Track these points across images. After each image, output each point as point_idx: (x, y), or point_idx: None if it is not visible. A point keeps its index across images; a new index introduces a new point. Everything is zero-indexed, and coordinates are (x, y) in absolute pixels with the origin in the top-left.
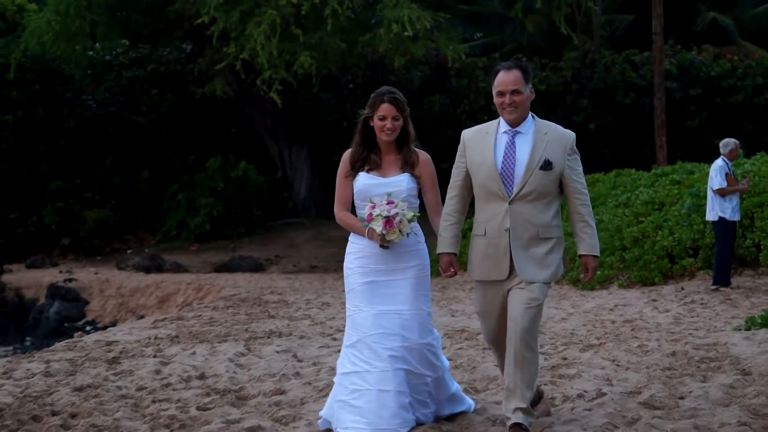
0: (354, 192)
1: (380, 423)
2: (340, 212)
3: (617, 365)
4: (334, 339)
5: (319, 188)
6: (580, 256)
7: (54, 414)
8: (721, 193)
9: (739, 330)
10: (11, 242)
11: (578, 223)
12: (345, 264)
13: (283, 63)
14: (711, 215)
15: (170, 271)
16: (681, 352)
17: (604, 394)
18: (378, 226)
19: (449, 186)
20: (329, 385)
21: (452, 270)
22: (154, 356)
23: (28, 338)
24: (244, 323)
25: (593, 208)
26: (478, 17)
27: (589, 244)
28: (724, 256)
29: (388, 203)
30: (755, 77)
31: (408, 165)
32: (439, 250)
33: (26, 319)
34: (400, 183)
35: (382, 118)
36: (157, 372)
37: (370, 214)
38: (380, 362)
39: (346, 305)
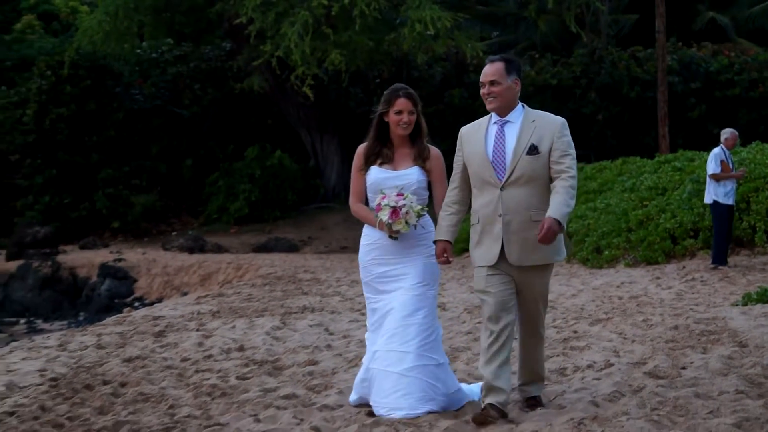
0: (367, 185)
1: (382, 398)
2: (354, 204)
3: (624, 338)
4: (363, 314)
5: (348, 175)
6: (544, 218)
7: (105, 383)
8: (715, 178)
9: (737, 305)
10: (66, 225)
11: (553, 195)
12: (359, 256)
13: (315, 60)
14: (707, 198)
15: (212, 251)
16: (683, 325)
17: (612, 364)
18: (385, 216)
19: (450, 179)
20: (358, 356)
21: (446, 256)
22: (197, 330)
23: (81, 313)
24: (280, 299)
25: (601, 193)
26: (494, 17)
27: (553, 208)
28: (720, 236)
29: (397, 195)
30: (750, 72)
31: (420, 158)
32: (435, 237)
33: (80, 296)
34: (411, 175)
35: (399, 113)
36: (200, 344)
37: (379, 204)
38: (390, 347)
39: (364, 293)
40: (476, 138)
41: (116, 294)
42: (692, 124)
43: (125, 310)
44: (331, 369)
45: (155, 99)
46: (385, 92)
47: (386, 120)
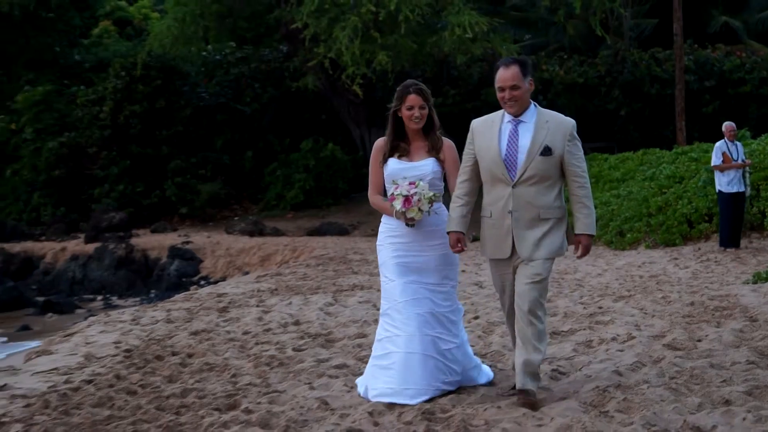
0: (385, 176)
1: (406, 383)
2: (372, 196)
3: (644, 313)
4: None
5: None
6: (576, 234)
7: (174, 354)
8: (717, 169)
9: (748, 283)
10: (138, 211)
11: (575, 204)
12: (377, 241)
13: (363, 61)
14: (716, 187)
15: (270, 234)
16: (698, 302)
17: (634, 337)
18: (398, 204)
19: (460, 171)
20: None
21: (459, 246)
22: (257, 306)
23: (152, 291)
24: (332, 278)
25: (624, 182)
26: (526, 21)
27: (584, 223)
28: (723, 222)
29: (410, 184)
30: (761, 71)
31: (434, 150)
32: (447, 228)
33: (151, 275)
34: (426, 167)
35: (410, 108)
36: (260, 319)
37: (392, 194)
38: (408, 327)
39: (380, 277)
40: (489, 135)
41: (184, 273)
42: (707, 118)
43: (192, 287)
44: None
45: (219, 97)
46: (396, 89)
47: (400, 116)
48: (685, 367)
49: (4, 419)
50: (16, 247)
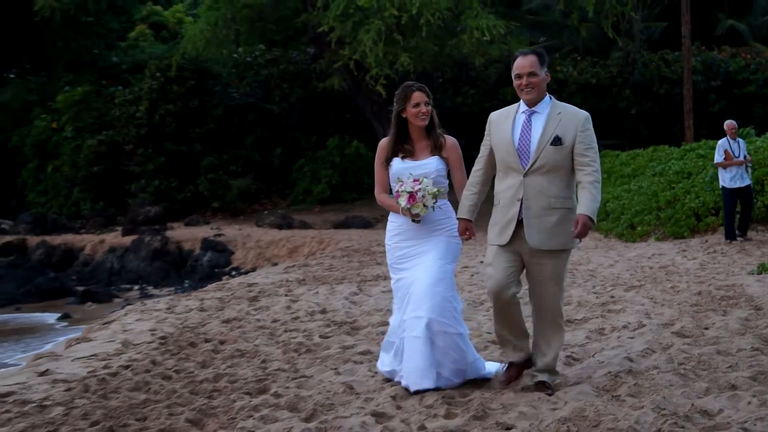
0: (390, 175)
1: (410, 364)
2: (379, 194)
3: (654, 302)
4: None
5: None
6: (577, 214)
7: (207, 341)
8: (720, 166)
9: (752, 274)
10: (173, 205)
11: (581, 190)
12: (386, 240)
13: (387, 62)
14: (720, 183)
15: (298, 227)
16: (705, 291)
17: (644, 325)
18: (403, 201)
19: (476, 161)
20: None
21: (468, 233)
22: (286, 295)
23: (186, 281)
24: (357, 269)
25: (635, 177)
26: (541, 25)
27: (584, 206)
28: (727, 215)
29: (414, 180)
30: (765, 72)
31: (437, 148)
32: (458, 215)
33: (185, 266)
34: (430, 165)
35: (416, 105)
36: (288, 307)
37: (398, 191)
38: (415, 314)
39: (390, 275)
40: (504, 125)
41: (216, 264)
42: (714, 117)
43: (224, 278)
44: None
45: (249, 97)
46: (397, 92)
47: (404, 116)
48: (693, 353)
49: (46, 402)
50: (57, 240)
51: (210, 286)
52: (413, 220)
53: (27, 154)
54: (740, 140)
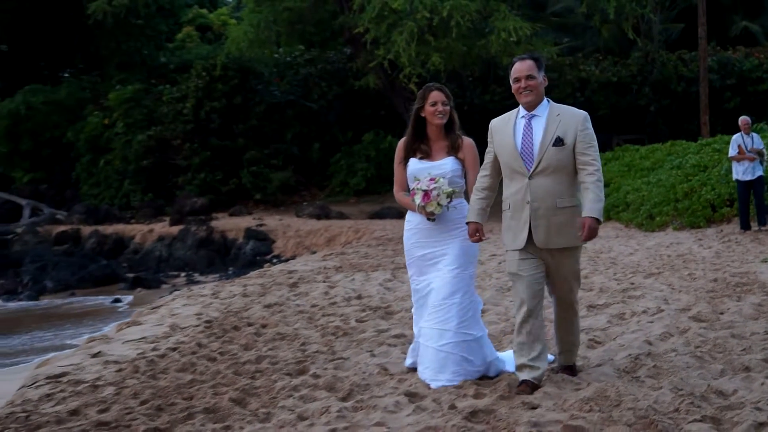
0: (407, 175)
1: (424, 368)
2: (397, 193)
3: (672, 288)
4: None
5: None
6: (582, 217)
7: (249, 325)
8: (734, 159)
9: (766, 262)
10: (218, 197)
11: (583, 191)
12: (404, 239)
13: (419, 62)
14: (733, 176)
15: (335, 218)
16: (721, 278)
17: (662, 310)
18: (418, 199)
19: (482, 167)
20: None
21: (477, 235)
22: (324, 281)
23: (230, 268)
24: (391, 257)
25: (653, 170)
26: (565, 26)
27: (589, 208)
28: (740, 206)
29: (430, 179)
30: None
31: (454, 149)
32: (467, 219)
33: (229, 254)
34: (445, 165)
35: (434, 104)
36: (326, 293)
37: (413, 190)
38: (430, 325)
39: (408, 273)
40: (506, 130)
41: (258, 252)
42: (729, 113)
43: (265, 265)
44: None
45: (289, 94)
46: (419, 92)
47: (422, 116)
48: (709, 337)
49: (98, 383)
50: (108, 229)
51: (252, 273)
52: (428, 219)
53: (81, 149)
54: (754, 135)
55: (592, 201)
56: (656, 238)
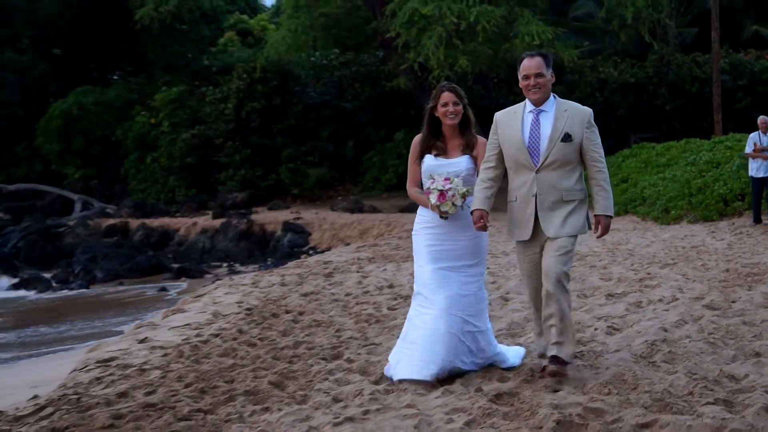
0: (422, 172)
1: (429, 357)
2: (410, 188)
3: (686, 278)
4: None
5: None
6: (595, 215)
7: (287, 312)
8: (749, 156)
9: None
10: (257, 192)
11: (594, 187)
12: (413, 230)
13: (447, 64)
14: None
15: (368, 211)
16: (732, 269)
17: (677, 299)
18: (433, 199)
19: (485, 158)
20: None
21: (482, 222)
22: (357, 271)
23: (269, 259)
24: None
25: (669, 167)
26: (585, 30)
27: (602, 205)
28: (752, 201)
29: (445, 179)
30: None
31: (468, 147)
32: (472, 207)
33: (267, 245)
34: (460, 164)
35: (445, 105)
36: (359, 283)
37: (428, 189)
38: (436, 307)
39: (414, 264)
40: (512, 124)
41: (295, 244)
42: (740, 112)
43: (302, 256)
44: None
45: (325, 95)
46: (435, 90)
47: (436, 115)
48: (721, 324)
49: (145, 366)
50: (155, 223)
51: (290, 264)
52: (441, 216)
53: (129, 147)
54: None
55: (605, 199)
56: (671, 230)
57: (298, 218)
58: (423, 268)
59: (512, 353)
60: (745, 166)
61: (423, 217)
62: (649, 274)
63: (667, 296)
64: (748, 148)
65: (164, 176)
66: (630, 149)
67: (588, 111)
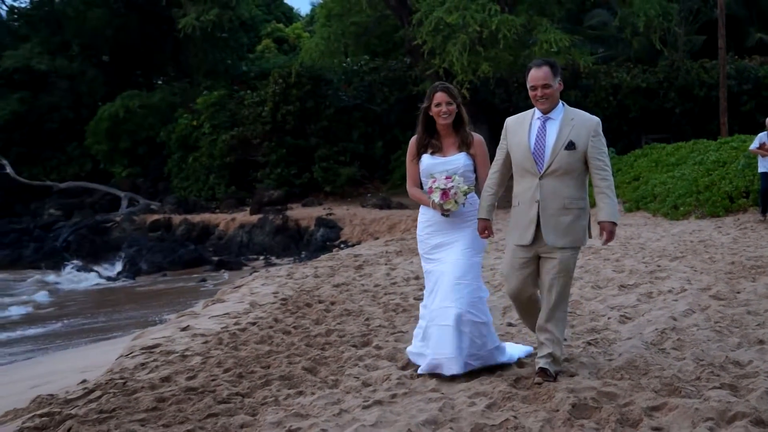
0: (420, 171)
1: (441, 353)
2: (410, 188)
3: (694, 270)
4: (503, 252)
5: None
6: (599, 222)
7: (320, 302)
8: (752, 152)
9: None
10: (292, 189)
11: (598, 194)
12: (417, 231)
13: (470, 70)
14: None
15: (396, 208)
16: (738, 261)
17: (686, 289)
18: (436, 197)
19: (493, 163)
20: (501, 284)
21: (486, 233)
22: (386, 264)
23: (303, 252)
24: None
25: (678, 166)
26: (600, 38)
27: (606, 212)
28: (762, 195)
29: (446, 178)
30: None
31: (464, 145)
32: (478, 215)
33: (302, 239)
34: (458, 161)
35: (438, 105)
36: (388, 274)
37: (431, 187)
38: (444, 305)
39: (422, 263)
40: (520, 131)
41: (328, 238)
42: (745, 115)
43: (334, 250)
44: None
45: (356, 99)
46: (427, 90)
47: (430, 114)
48: (727, 313)
49: (187, 353)
50: (196, 218)
51: (323, 257)
52: (443, 214)
53: (172, 147)
54: None
55: (609, 206)
56: (680, 226)
57: (330, 214)
58: (430, 270)
59: (516, 350)
60: (750, 165)
61: (425, 216)
62: (659, 266)
63: (676, 287)
64: (753, 146)
65: (205, 175)
66: (641, 149)
67: (595, 120)
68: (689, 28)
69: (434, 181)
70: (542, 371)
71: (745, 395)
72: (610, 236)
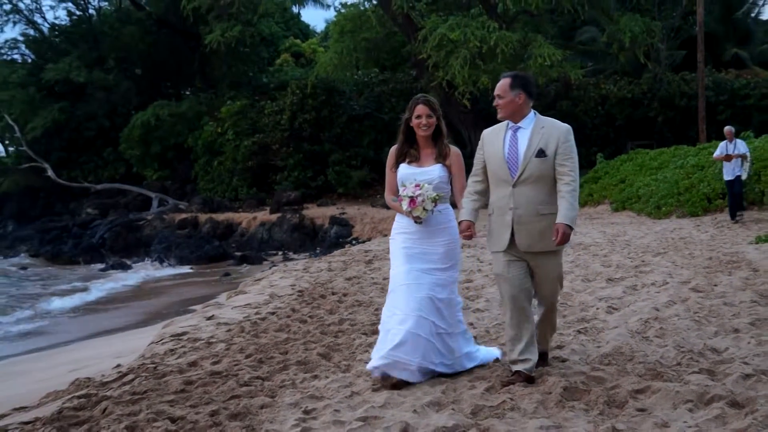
0: (397, 179)
1: (399, 356)
2: (387, 196)
3: (675, 265)
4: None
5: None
6: (555, 223)
7: (333, 294)
8: (716, 159)
9: (752, 244)
10: (308, 191)
11: (560, 198)
12: (391, 235)
13: (471, 82)
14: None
15: None
16: (715, 257)
17: (667, 282)
18: (405, 205)
19: (472, 173)
20: (478, 291)
21: (469, 231)
22: None
23: (318, 248)
24: None
25: (660, 169)
26: (590, 53)
27: (562, 214)
28: (729, 200)
29: (415, 186)
30: (761, 89)
31: (441, 156)
32: (459, 218)
33: (317, 236)
34: (433, 172)
35: (419, 117)
36: None
37: (401, 196)
38: (407, 308)
39: (390, 266)
40: (496, 141)
41: (340, 235)
42: (721, 123)
43: (346, 246)
44: (481, 285)
45: (366, 108)
46: (409, 102)
47: (411, 125)
48: (705, 304)
49: (212, 340)
50: (220, 217)
51: (336, 252)
52: (415, 222)
53: (198, 152)
54: (737, 141)
55: (566, 209)
56: (662, 224)
57: (343, 213)
58: (397, 269)
59: (484, 353)
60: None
61: (399, 223)
62: (643, 261)
63: (659, 280)
64: (716, 154)
65: (229, 177)
66: (627, 154)
67: (565, 128)
68: (671, 44)
69: (404, 190)
70: (519, 374)
71: (722, 379)
72: (563, 237)
